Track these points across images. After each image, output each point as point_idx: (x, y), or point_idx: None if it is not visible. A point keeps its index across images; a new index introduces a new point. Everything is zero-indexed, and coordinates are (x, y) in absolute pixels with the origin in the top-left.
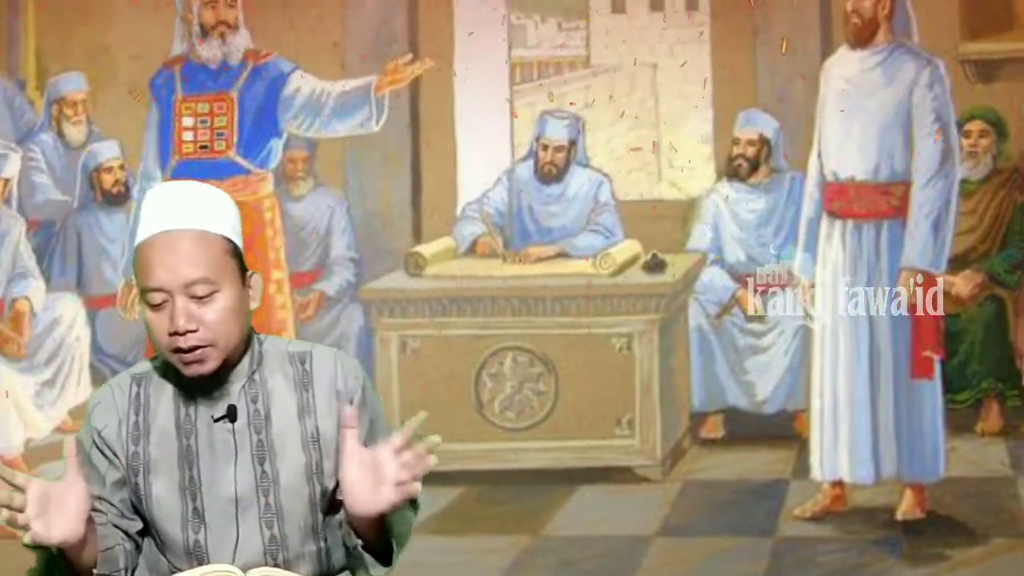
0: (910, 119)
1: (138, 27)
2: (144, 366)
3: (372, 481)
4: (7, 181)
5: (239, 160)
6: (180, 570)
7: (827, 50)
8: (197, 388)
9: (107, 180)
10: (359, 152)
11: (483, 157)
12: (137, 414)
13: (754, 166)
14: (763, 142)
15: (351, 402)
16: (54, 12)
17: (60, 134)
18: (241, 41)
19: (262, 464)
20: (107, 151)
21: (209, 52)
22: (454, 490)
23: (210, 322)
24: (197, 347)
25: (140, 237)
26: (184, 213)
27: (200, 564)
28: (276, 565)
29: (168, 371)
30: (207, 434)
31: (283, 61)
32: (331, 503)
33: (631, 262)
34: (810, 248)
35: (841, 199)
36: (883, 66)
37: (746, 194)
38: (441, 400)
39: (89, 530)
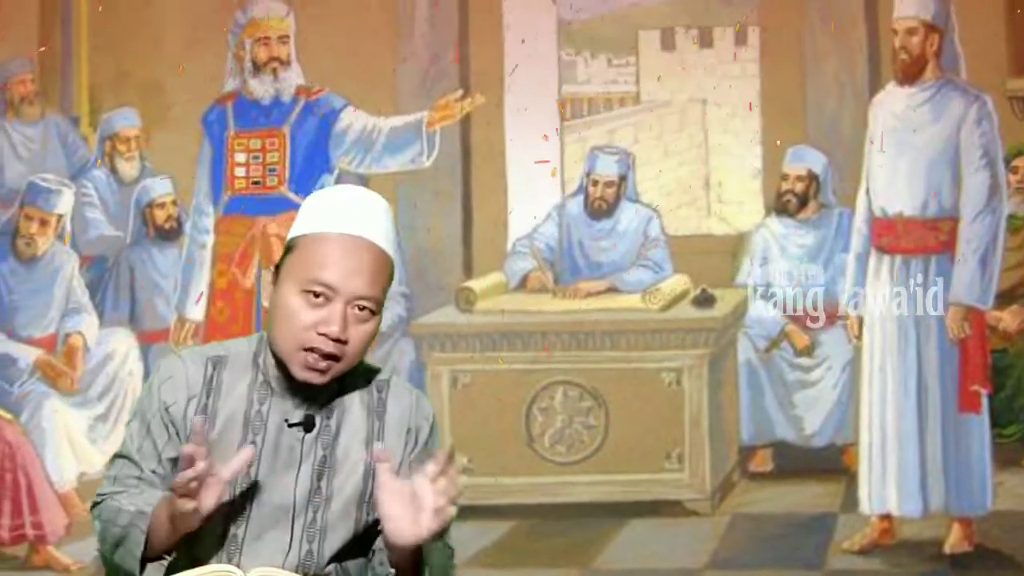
0: (958, 155)
1: (191, 63)
2: (220, 349)
3: (411, 511)
4: (60, 217)
5: (291, 195)
6: (204, 561)
7: (875, 86)
8: (280, 386)
9: (160, 216)
10: (410, 188)
11: (533, 192)
12: (208, 396)
13: (803, 202)
14: (812, 178)
15: (416, 441)
16: (107, 49)
17: (113, 170)
18: (293, 77)
19: (319, 480)
20: (160, 187)
21: (261, 88)
22: (505, 524)
23: (354, 341)
24: (332, 357)
25: (319, 227)
26: (373, 227)
27: (230, 559)
28: None
29: (251, 359)
30: (275, 436)
31: (335, 97)
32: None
33: (681, 297)
34: (858, 283)
35: (889, 234)
36: (931, 102)
37: (795, 229)
38: (492, 434)
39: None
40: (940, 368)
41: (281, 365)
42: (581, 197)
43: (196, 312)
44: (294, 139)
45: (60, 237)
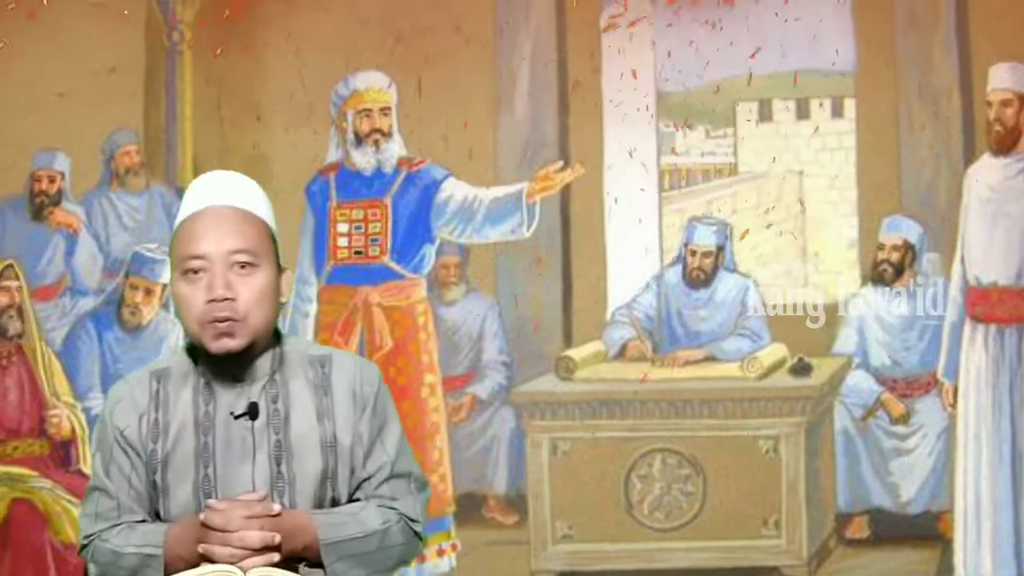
0: None
1: (294, 135)
2: (163, 362)
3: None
4: (165, 286)
5: (393, 266)
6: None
7: (970, 157)
8: (219, 383)
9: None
10: (510, 257)
11: (632, 262)
12: (157, 411)
13: (899, 271)
14: (907, 247)
15: (364, 407)
16: (212, 120)
17: None
18: (395, 149)
19: (279, 464)
20: None
21: (363, 160)
22: None
23: (245, 295)
24: (230, 319)
25: (183, 215)
26: (229, 194)
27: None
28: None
29: (189, 366)
30: (224, 432)
31: (436, 168)
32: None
33: (778, 365)
34: (953, 352)
35: (984, 303)
36: None
37: (891, 298)
38: (591, 501)
39: None
40: None
41: (214, 361)
42: (679, 267)
43: None
44: (396, 209)
45: (165, 306)
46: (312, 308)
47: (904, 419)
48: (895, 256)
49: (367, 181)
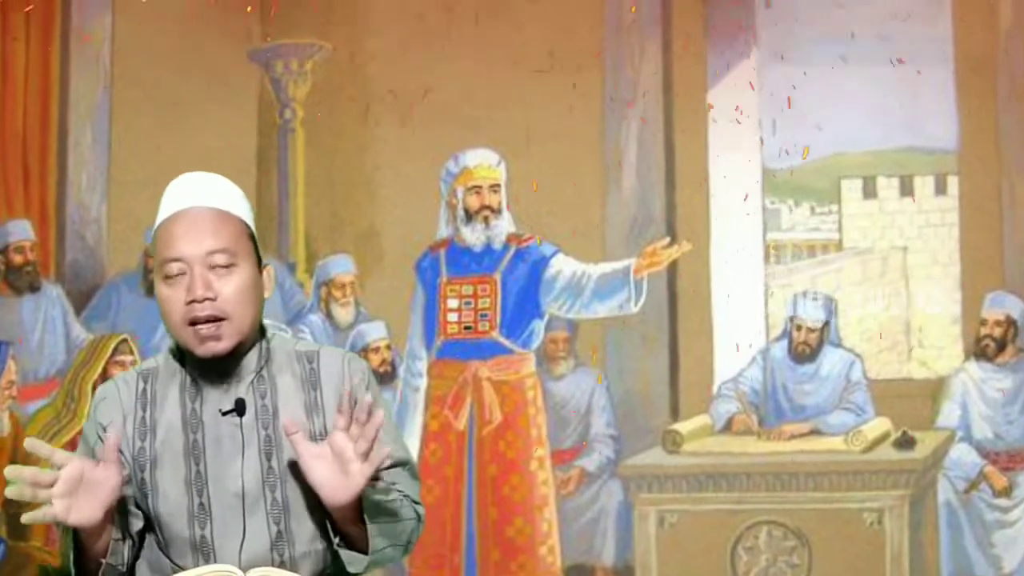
0: None
1: (404, 211)
2: (151, 362)
3: (339, 468)
4: None
5: (502, 340)
6: (183, 568)
7: None
8: (205, 381)
9: (374, 360)
10: (618, 332)
11: (738, 337)
12: (144, 410)
13: (1001, 346)
14: (1010, 323)
15: (355, 398)
16: (323, 196)
17: (328, 315)
18: (504, 225)
19: (269, 459)
20: (374, 332)
21: (473, 236)
22: None
23: (226, 295)
24: (213, 318)
25: (161, 217)
26: (204, 195)
27: (206, 559)
28: (282, 562)
29: (176, 366)
30: (214, 428)
31: (545, 244)
32: None
33: (882, 439)
34: None
35: None
36: None
37: (993, 373)
38: (698, 573)
39: (107, 519)
40: None
41: (200, 360)
42: (785, 341)
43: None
44: (505, 285)
45: None
46: (422, 382)
47: (1007, 492)
48: (998, 331)
49: (477, 257)
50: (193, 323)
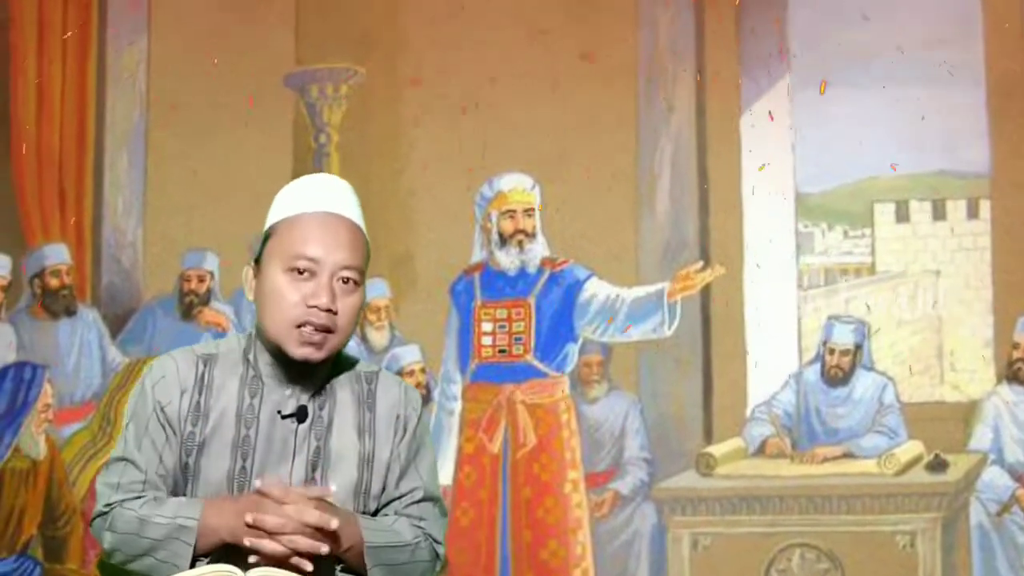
0: None
1: (439, 235)
2: (211, 347)
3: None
4: None
5: (536, 364)
6: (207, 555)
7: None
8: (272, 379)
9: (409, 383)
10: (652, 356)
11: (771, 360)
12: (200, 394)
13: None
14: None
15: (404, 430)
16: None
17: (363, 339)
18: (538, 249)
19: (315, 471)
20: (409, 355)
21: (507, 260)
22: None
23: (344, 312)
24: (325, 328)
25: (295, 210)
26: (344, 204)
27: (234, 552)
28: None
29: (239, 357)
30: (268, 428)
31: (579, 268)
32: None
33: (914, 462)
34: None
35: None
36: None
37: None
38: None
39: None
40: None
41: (272, 358)
42: (818, 365)
43: (443, 477)
44: (539, 309)
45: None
46: (457, 406)
47: None
48: None
49: (511, 281)
50: (302, 325)
